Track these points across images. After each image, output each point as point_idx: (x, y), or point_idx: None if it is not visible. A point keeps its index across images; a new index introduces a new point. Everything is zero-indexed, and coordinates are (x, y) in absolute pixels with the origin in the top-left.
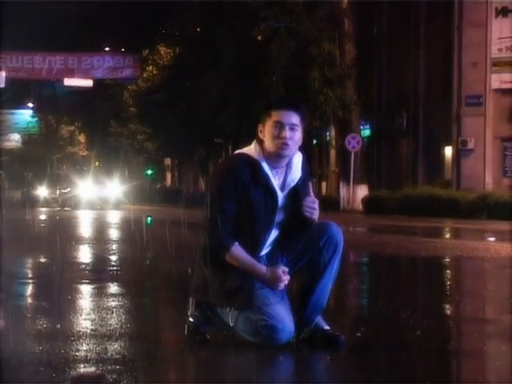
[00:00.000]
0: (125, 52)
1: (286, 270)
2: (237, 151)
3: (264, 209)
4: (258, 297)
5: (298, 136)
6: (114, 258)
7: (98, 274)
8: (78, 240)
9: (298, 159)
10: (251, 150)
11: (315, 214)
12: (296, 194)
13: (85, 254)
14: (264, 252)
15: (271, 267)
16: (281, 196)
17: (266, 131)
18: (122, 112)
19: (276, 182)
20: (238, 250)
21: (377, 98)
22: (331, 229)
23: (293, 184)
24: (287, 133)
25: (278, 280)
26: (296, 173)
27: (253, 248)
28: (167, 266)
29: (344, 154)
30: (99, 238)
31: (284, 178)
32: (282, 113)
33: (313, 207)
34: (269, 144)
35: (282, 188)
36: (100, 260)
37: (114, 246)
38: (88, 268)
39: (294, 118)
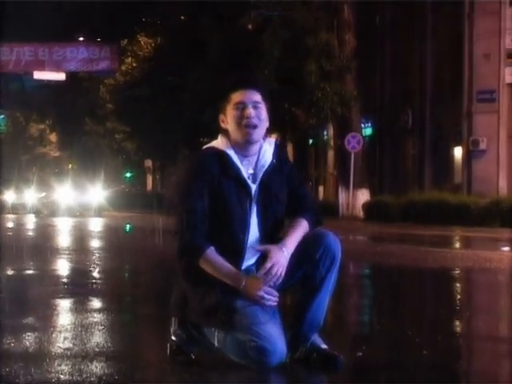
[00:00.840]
0: (101, 42)
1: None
2: (204, 146)
3: (238, 204)
4: (246, 315)
5: (263, 114)
6: (92, 269)
7: (74, 287)
8: (53, 250)
9: (269, 145)
10: (218, 142)
11: (279, 274)
12: (271, 184)
13: (60, 266)
14: (251, 262)
15: (251, 275)
16: (254, 187)
17: (229, 117)
18: (98, 108)
19: (250, 172)
20: (212, 254)
21: (379, 93)
22: (328, 239)
23: (262, 170)
24: (251, 111)
25: (255, 290)
26: (265, 158)
27: (235, 251)
28: (149, 279)
29: (343, 154)
30: (75, 248)
31: (255, 166)
32: (241, 93)
33: (272, 275)
34: (234, 130)
35: (254, 178)
36: (76, 272)
37: (93, 257)
38: (63, 281)
39: (256, 96)
